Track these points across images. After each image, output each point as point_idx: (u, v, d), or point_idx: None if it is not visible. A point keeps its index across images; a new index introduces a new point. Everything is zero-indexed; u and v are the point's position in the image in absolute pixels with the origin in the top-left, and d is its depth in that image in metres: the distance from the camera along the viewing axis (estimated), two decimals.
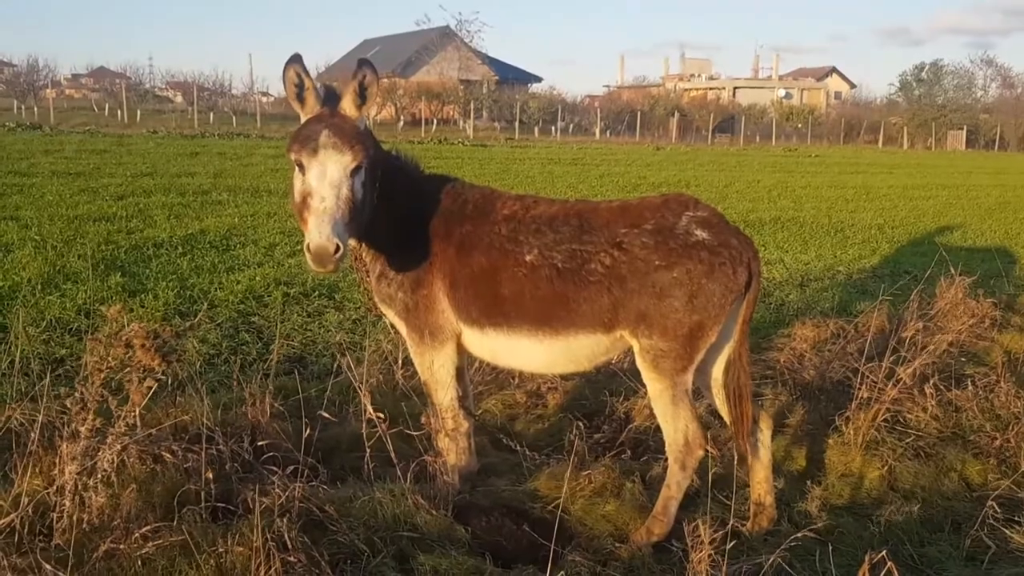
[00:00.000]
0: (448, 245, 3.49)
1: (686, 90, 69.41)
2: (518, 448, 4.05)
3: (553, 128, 49.85)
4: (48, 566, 2.52)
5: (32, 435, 3.26)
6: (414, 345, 3.66)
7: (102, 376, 2.93)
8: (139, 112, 42.78)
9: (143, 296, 7.03)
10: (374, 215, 3.38)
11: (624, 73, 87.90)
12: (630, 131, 52.16)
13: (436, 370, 3.65)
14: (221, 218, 11.30)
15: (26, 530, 2.83)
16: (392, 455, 3.53)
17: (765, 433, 3.72)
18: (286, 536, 2.84)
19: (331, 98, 3.30)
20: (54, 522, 2.97)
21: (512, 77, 59.57)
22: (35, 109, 41.59)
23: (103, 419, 3.03)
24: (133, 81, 52.89)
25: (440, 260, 3.51)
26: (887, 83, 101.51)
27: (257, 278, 7.89)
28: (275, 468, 3.43)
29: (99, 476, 2.98)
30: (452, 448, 3.71)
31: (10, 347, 5.51)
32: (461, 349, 3.68)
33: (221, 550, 2.83)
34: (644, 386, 3.49)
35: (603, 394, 5.06)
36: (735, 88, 70.42)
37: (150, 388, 2.94)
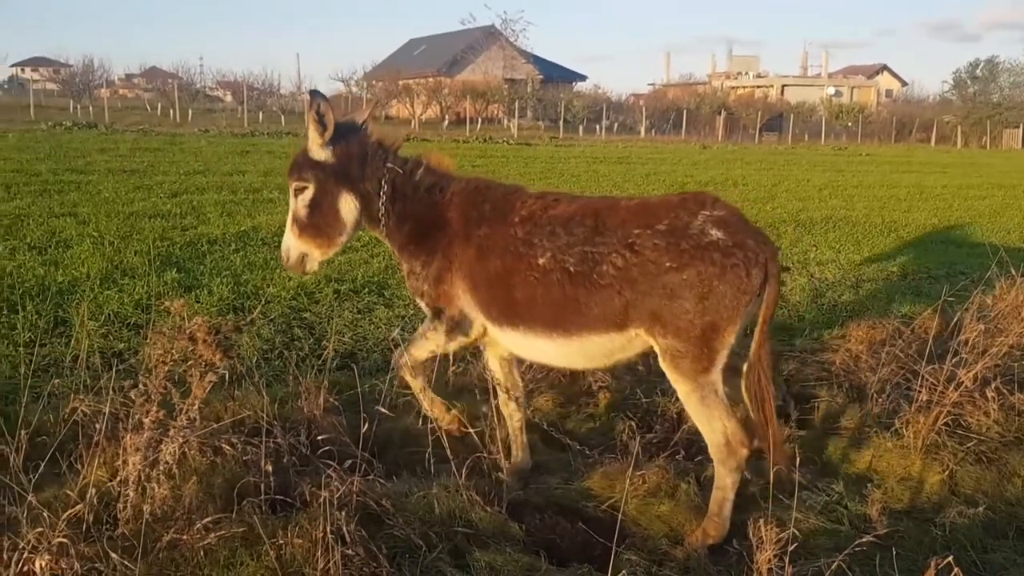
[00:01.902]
0: (468, 247, 3.62)
1: (733, 88, 68.57)
2: (571, 446, 4.04)
3: (597, 127, 49.63)
4: (115, 555, 2.57)
5: (97, 426, 3.33)
6: (440, 331, 3.77)
7: (166, 369, 2.98)
8: (190, 111, 43.58)
9: (198, 292, 7.16)
10: (398, 225, 3.76)
11: (670, 71, 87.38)
12: (676, 129, 51.75)
13: (438, 343, 3.76)
14: (272, 216, 11.45)
15: (92, 520, 2.90)
16: (447, 451, 3.53)
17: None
18: (344, 529, 2.87)
19: (344, 131, 3.75)
20: (118, 512, 3.03)
21: (556, 76, 59.45)
22: (90, 108, 42.61)
23: (165, 411, 3.09)
24: (184, 81, 53.78)
25: (460, 261, 3.64)
26: (939, 80, 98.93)
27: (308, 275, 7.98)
28: (331, 462, 3.46)
29: (162, 468, 3.03)
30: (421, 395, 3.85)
31: (71, 341, 5.67)
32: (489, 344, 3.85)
33: (281, 542, 2.86)
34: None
35: (655, 393, 5.02)
36: (783, 86, 69.38)
37: (212, 382, 2.99)
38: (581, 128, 48.78)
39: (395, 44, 77.22)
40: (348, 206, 3.75)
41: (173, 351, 3.00)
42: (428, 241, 3.72)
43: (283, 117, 44.31)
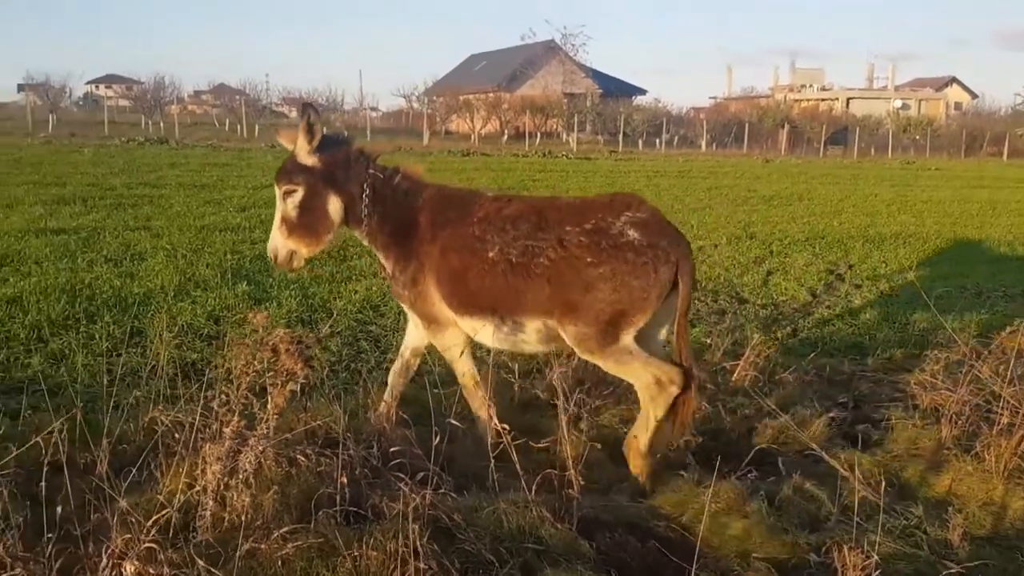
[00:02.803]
0: (434, 247, 4.06)
1: (796, 101, 67.53)
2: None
3: (657, 141, 49.35)
4: (201, 562, 2.63)
5: (176, 436, 3.41)
6: (428, 331, 4.27)
7: (247, 379, 3.05)
8: (257, 127, 44.59)
9: (267, 304, 7.30)
10: (379, 226, 4.16)
11: (732, 84, 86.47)
12: (737, 143, 51.16)
13: (448, 348, 4.27)
14: None
15: (178, 527, 2.97)
16: (516, 466, 3.53)
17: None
18: (418, 543, 2.88)
19: (330, 141, 4.17)
20: (197, 520, 3.10)
21: (616, 89, 59.35)
22: (161, 124, 43.97)
23: (245, 422, 3.15)
24: (251, 97, 55.10)
25: (428, 261, 4.08)
26: (1012, 92, 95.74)
27: (373, 288, 8.09)
28: (402, 475, 3.49)
29: (241, 477, 3.09)
30: (479, 404, 4.29)
31: (146, 351, 5.84)
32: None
33: (357, 554, 2.89)
34: (764, 405, 3.59)
35: (718, 407, 4.95)
36: (848, 98, 68.12)
37: (292, 391, 3.05)
38: (641, 142, 48.56)
39: (456, 60, 77.98)
40: (335, 206, 4.14)
41: (255, 362, 3.07)
42: (405, 245, 4.15)
43: (346, 133, 44.95)
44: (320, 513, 3.14)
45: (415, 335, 4.49)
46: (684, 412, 3.92)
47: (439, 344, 4.29)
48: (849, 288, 8.14)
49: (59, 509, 2.76)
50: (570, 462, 3.55)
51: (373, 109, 64.18)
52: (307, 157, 4.08)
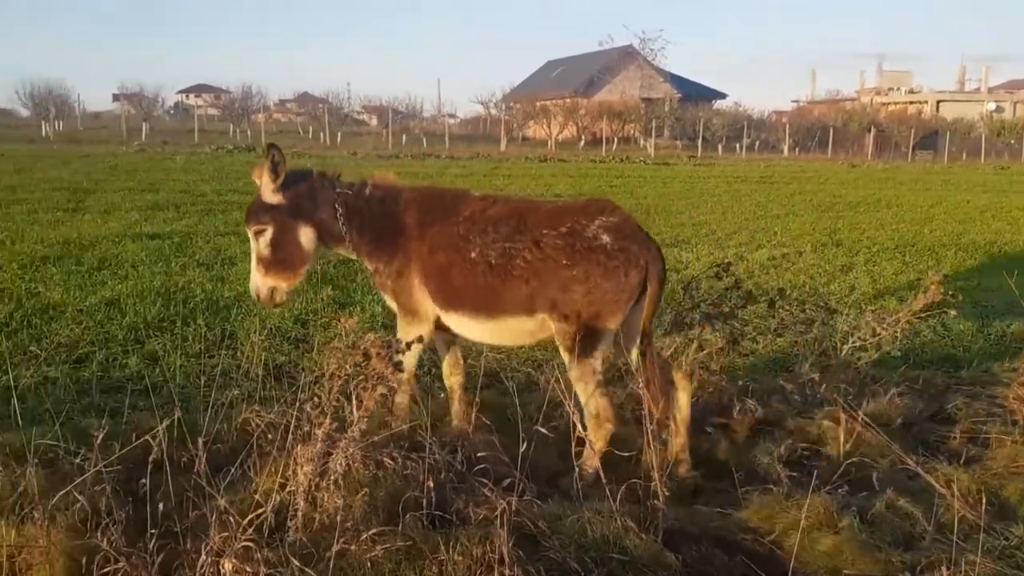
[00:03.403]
0: (422, 244, 4.21)
1: (884, 104, 65.54)
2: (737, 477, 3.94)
3: (738, 145, 48.55)
4: (295, 561, 2.69)
5: (269, 436, 3.51)
6: (403, 322, 4.38)
7: (339, 383, 3.11)
8: (339, 134, 45.60)
9: (351, 308, 7.45)
10: (360, 237, 4.30)
11: (815, 87, 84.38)
12: (821, 148, 49.93)
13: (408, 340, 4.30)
14: None
15: (272, 526, 3.05)
16: (600, 474, 3.51)
17: (682, 394, 4.23)
18: (503, 549, 2.89)
19: (294, 176, 4.30)
20: (289, 520, 3.17)
21: (695, 94, 58.64)
22: (248, 132, 45.38)
23: (337, 424, 3.22)
24: (333, 105, 56.36)
25: (415, 257, 4.23)
26: None
27: None
28: (485, 480, 3.52)
29: (331, 479, 3.15)
30: (402, 400, 4.35)
31: (236, 353, 6.02)
32: (440, 327, 4.40)
33: (443, 558, 2.91)
34: (855, 419, 3.45)
35: (805, 420, 4.85)
36: (938, 102, 65.73)
37: (383, 395, 3.10)
38: (720, 147, 47.84)
39: (534, 66, 78.18)
40: (307, 236, 4.30)
41: (347, 365, 3.13)
42: (389, 244, 4.28)
43: (425, 139, 45.62)
44: (407, 516, 3.17)
45: (440, 344, 4.65)
46: (652, 410, 3.99)
47: (403, 334, 4.30)
48: (942, 298, 7.84)
49: (160, 506, 2.87)
50: (655, 472, 3.52)
51: (451, 116, 64.96)
52: (272, 196, 4.24)
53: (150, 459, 3.01)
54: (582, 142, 48.66)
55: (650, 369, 4.02)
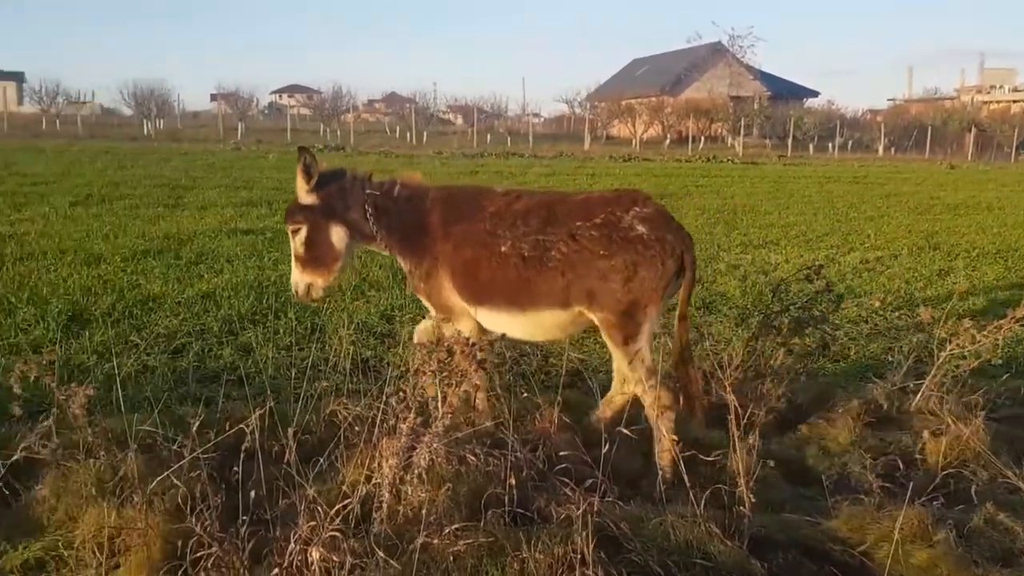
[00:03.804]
0: (447, 242, 4.27)
1: (985, 103, 62.69)
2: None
3: (830, 145, 47.19)
4: (380, 552, 2.74)
5: (356, 429, 3.58)
6: (440, 320, 4.41)
7: (424, 378, 3.15)
8: (425, 134, 46.19)
9: None
10: (389, 235, 4.39)
11: (912, 85, 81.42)
12: (918, 148, 48.09)
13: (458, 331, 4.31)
14: None
15: (359, 517, 3.11)
16: (684, 478, 3.46)
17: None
18: (585, 550, 2.88)
19: (327, 177, 4.40)
20: (374, 511, 3.23)
21: (786, 92, 57.25)
22: (338, 132, 46.36)
23: (421, 418, 3.26)
24: (420, 105, 57.06)
25: (442, 256, 4.29)
26: None
27: None
28: (567, 480, 3.51)
29: (415, 472, 3.20)
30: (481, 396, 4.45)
31: (324, 347, 6.16)
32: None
33: (524, 556, 2.92)
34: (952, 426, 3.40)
35: (897, 432, 4.68)
36: None
37: (466, 392, 3.12)
38: (812, 146, 46.59)
39: (619, 64, 77.65)
40: (338, 236, 4.41)
41: (431, 361, 3.17)
42: (418, 244, 4.37)
43: (509, 139, 45.81)
44: (489, 513, 3.19)
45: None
46: (689, 394, 4.14)
47: (449, 331, 4.34)
48: None
49: (252, 493, 2.95)
50: (741, 478, 3.44)
51: (535, 115, 64.97)
52: (306, 196, 4.38)
53: (243, 448, 3.11)
54: (667, 141, 48.07)
55: (687, 354, 4.16)
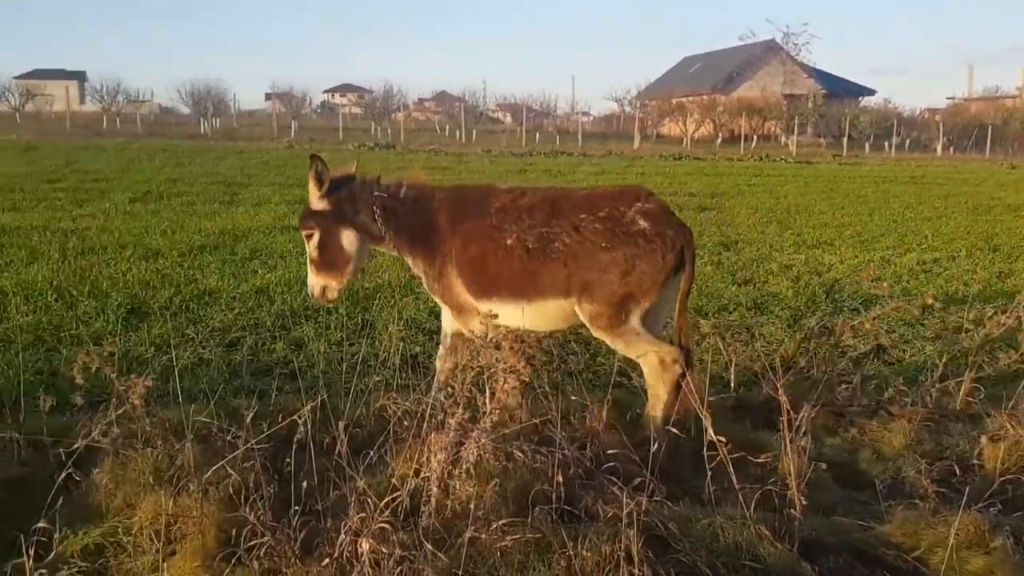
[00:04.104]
0: (455, 240, 4.40)
1: None
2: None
3: (886, 144, 46.22)
4: (428, 545, 2.77)
5: (406, 424, 3.61)
6: (459, 320, 4.57)
7: (472, 374, 3.17)
8: (474, 132, 46.35)
9: None
10: (398, 235, 4.52)
11: (972, 84, 79.26)
12: (978, 147, 46.87)
13: (472, 330, 4.37)
14: None
15: (408, 510, 3.14)
16: (733, 479, 3.43)
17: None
18: (632, 548, 2.87)
19: (338, 183, 4.56)
20: (421, 505, 3.26)
21: (841, 90, 56.20)
22: (388, 130, 46.79)
23: (470, 414, 3.28)
24: (470, 104, 57.26)
25: (452, 254, 4.41)
26: None
27: None
28: (614, 478, 3.50)
29: (463, 467, 3.22)
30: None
31: (375, 342, 6.23)
32: None
33: (571, 553, 2.92)
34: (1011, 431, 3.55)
35: (952, 437, 4.57)
36: None
37: (514, 387, 3.14)
38: (868, 145, 45.70)
39: (670, 62, 77.04)
40: (349, 239, 4.54)
41: (480, 357, 3.19)
42: (427, 244, 4.48)
43: (558, 137, 45.74)
44: (536, 509, 3.20)
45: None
46: (685, 389, 4.18)
47: (466, 329, 4.51)
48: None
49: (304, 484, 3.00)
50: (792, 480, 3.40)
51: (584, 114, 64.77)
52: (318, 203, 4.54)
53: (295, 439, 3.16)
54: (719, 140, 47.56)
55: (687, 345, 4.30)
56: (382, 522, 2.75)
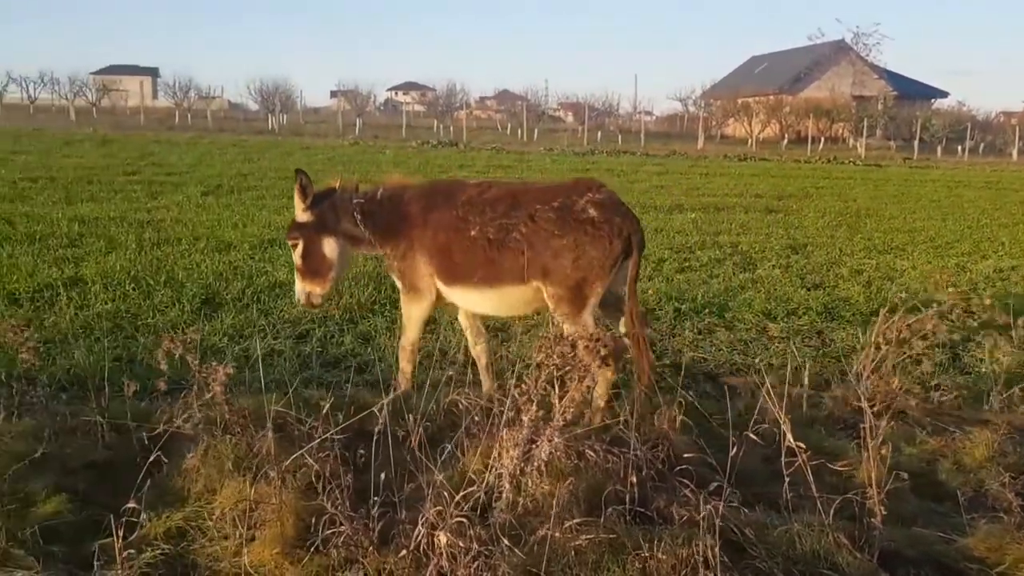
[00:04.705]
0: (425, 229, 4.71)
1: None
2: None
3: (959, 147, 44.85)
4: (505, 540, 2.77)
5: (477, 419, 3.63)
6: (405, 298, 4.90)
7: (546, 371, 3.17)
8: (536, 131, 46.31)
9: None
10: (374, 233, 4.79)
11: None
12: None
13: (413, 316, 4.89)
14: None
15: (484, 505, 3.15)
16: (812, 487, 3.36)
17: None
18: (709, 553, 2.84)
19: (320, 196, 4.87)
20: (493, 501, 3.26)
21: (912, 92, 54.66)
22: (451, 128, 47.03)
23: (542, 411, 3.27)
24: (531, 102, 57.19)
25: (419, 240, 4.73)
26: None
27: (649, 292, 8.09)
28: (688, 481, 3.46)
29: (535, 465, 3.22)
30: (406, 366, 4.95)
31: (440, 337, 6.26)
32: (440, 303, 4.93)
33: (646, 555, 2.90)
34: None
35: None
36: None
37: (588, 387, 3.12)
38: (940, 149, 44.40)
39: (737, 61, 75.92)
40: (331, 247, 4.84)
41: (555, 355, 3.18)
42: (397, 231, 4.78)
43: (620, 137, 45.44)
44: (609, 510, 3.18)
45: (463, 317, 5.15)
46: (641, 365, 4.47)
47: (407, 310, 4.90)
48: None
49: (382, 476, 3.03)
50: (873, 489, 3.32)
51: (647, 113, 64.22)
52: (302, 215, 4.83)
53: (374, 430, 3.19)
54: (785, 141, 46.68)
55: (638, 327, 4.49)
56: (459, 516, 2.77)
